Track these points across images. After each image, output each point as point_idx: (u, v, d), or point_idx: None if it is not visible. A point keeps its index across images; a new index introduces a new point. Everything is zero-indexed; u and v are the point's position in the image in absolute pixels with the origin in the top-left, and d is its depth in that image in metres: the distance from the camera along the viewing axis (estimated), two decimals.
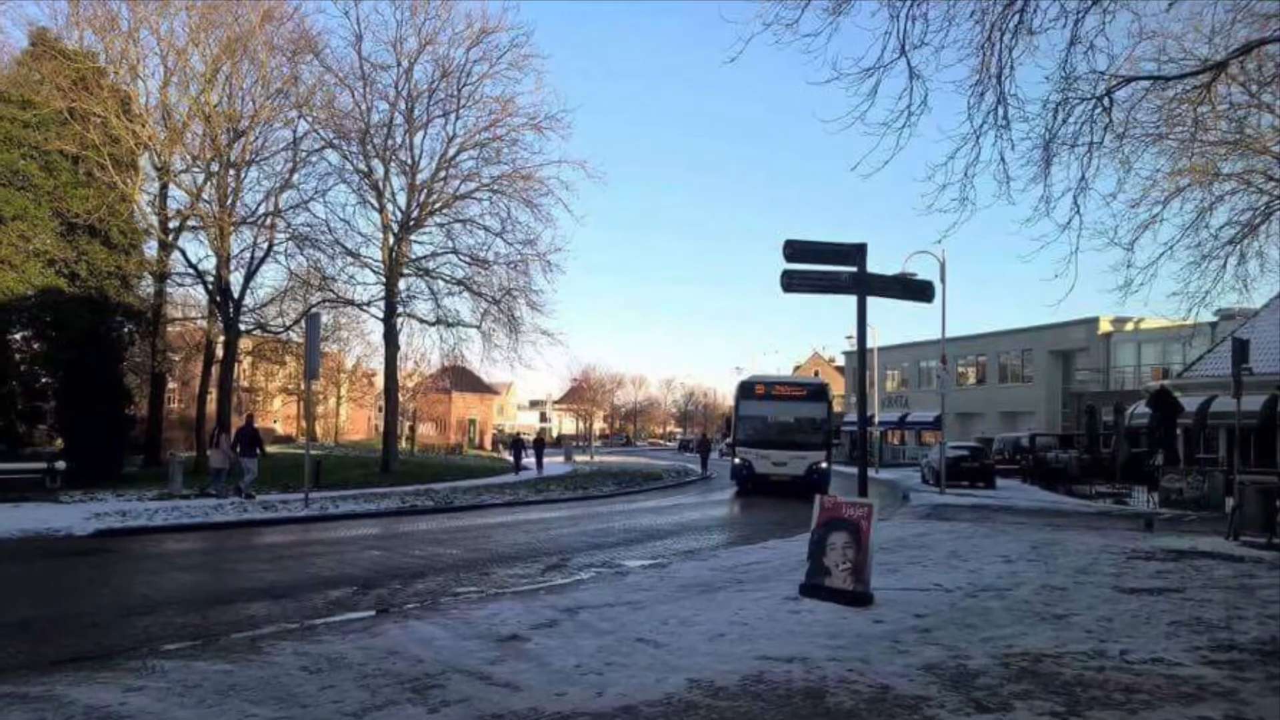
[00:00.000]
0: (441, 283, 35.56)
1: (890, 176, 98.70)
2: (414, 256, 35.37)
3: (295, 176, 32.83)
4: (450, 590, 10.35)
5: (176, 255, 32.85)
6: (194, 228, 32.75)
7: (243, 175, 32.23)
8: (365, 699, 5.58)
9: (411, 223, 34.24)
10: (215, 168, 31.22)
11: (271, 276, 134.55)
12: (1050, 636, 7.44)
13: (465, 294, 35.61)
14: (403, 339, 36.23)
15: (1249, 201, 18.27)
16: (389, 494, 24.17)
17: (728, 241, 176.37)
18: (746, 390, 28.43)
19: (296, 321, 34.09)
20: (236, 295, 32.39)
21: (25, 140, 26.13)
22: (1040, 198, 12.35)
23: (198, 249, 34.61)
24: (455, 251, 35.40)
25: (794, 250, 9.70)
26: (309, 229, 33.30)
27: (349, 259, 34.16)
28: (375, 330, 42.87)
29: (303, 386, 47.86)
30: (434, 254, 35.83)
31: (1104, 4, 10.37)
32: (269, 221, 32.51)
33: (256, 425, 24.62)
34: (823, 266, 9.98)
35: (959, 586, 9.86)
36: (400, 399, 43.72)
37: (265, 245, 32.85)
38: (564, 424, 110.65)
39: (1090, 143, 12.26)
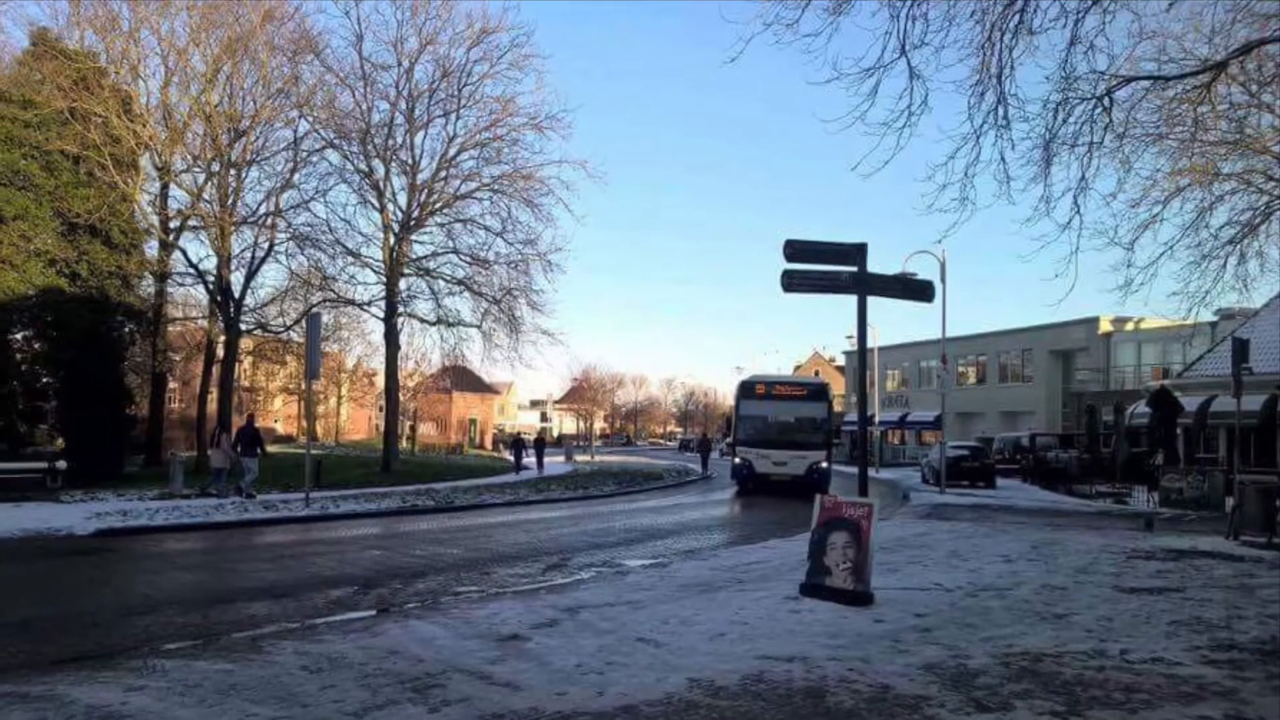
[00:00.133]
0: (442, 282, 35.65)
1: (890, 176, 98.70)
2: (415, 256, 35.44)
3: (296, 176, 32.92)
4: (451, 590, 10.35)
5: (177, 255, 32.95)
6: (195, 227, 32.84)
7: (243, 175, 32.32)
8: (366, 698, 5.58)
9: (412, 222, 34.26)
10: (216, 167, 31.25)
11: (272, 276, 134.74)
12: (1050, 636, 7.45)
13: (466, 294, 35.70)
14: (403, 339, 36.33)
15: (1249, 201, 18.28)
16: (390, 494, 24.18)
17: (728, 241, 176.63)
18: (747, 390, 28.43)
19: (297, 321, 34.12)
20: (237, 295, 32.43)
21: (26, 140, 26.15)
22: (1040, 197, 12.36)
23: (198, 249, 34.77)
24: (456, 251, 35.48)
25: (794, 250, 9.70)
26: (310, 229, 33.40)
27: (350, 259, 34.26)
28: (376, 330, 42.93)
29: (303, 386, 47.94)
30: (435, 254, 35.92)
31: (1104, 4, 10.38)
32: (270, 221, 32.56)
33: (257, 425, 24.63)
34: (823, 266, 9.98)
35: (959, 586, 9.87)
36: (401, 399, 43.72)
37: (266, 245, 32.92)
38: (564, 423, 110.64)
39: (1090, 142, 12.28)
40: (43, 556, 13.10)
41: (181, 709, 5.39)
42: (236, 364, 37.24)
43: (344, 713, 5.31)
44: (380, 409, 62.48)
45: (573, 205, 60.78)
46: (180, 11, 30.69)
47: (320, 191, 33.98)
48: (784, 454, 26.59)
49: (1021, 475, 36.03)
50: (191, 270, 33.32)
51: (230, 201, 31.48)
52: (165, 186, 32.58)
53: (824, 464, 26.38)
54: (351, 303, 37.23)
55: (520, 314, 35.25)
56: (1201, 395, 28.01)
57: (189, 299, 40.89)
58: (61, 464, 23.33)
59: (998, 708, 5.45)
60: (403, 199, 34.59)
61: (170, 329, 38.46)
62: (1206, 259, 17.63)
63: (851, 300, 9.90)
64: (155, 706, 5.42)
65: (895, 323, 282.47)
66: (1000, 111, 10.77)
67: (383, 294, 34.52)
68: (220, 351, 34.29)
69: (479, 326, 35.70)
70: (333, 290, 35.30)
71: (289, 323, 34.84)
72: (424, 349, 44.02)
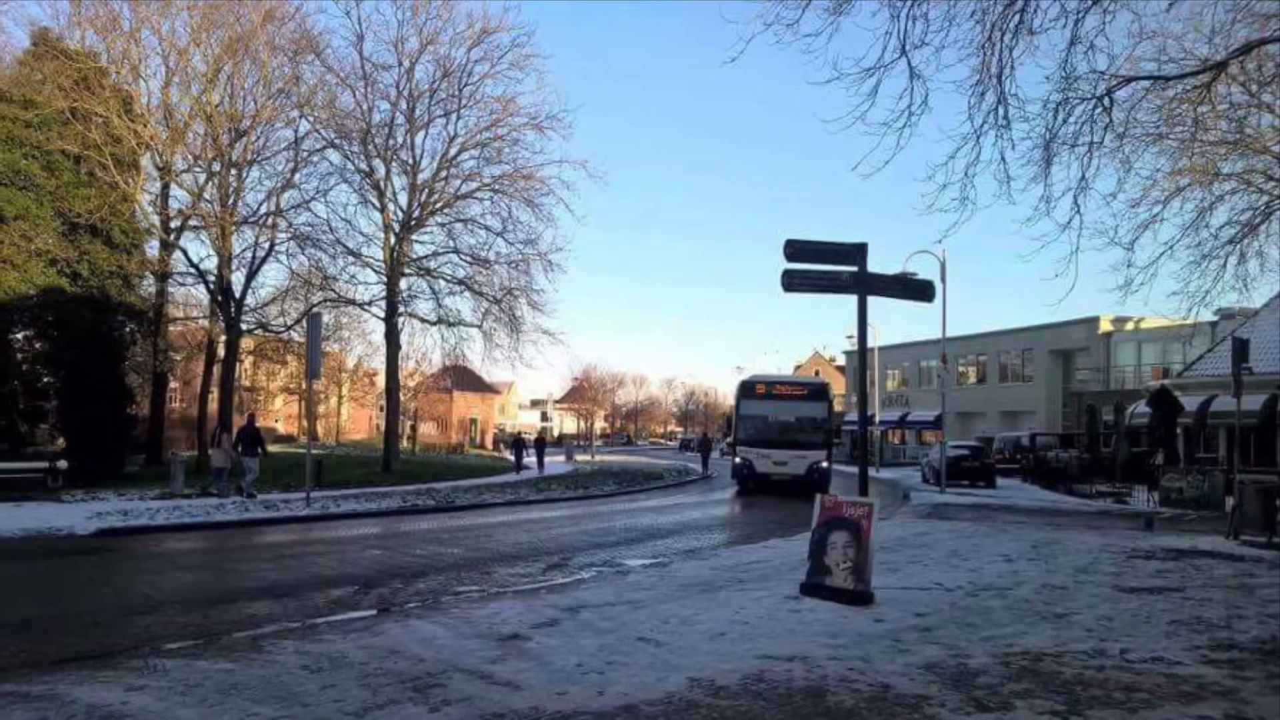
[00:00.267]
0: (443, 282, 35.65)
1: (891, 176, 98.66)
2: (415, 256, 35.44)
3: (297, 176, 32.95)
4: (451, 589, 10.36)
5: (178, 255, 32.96)
6: (195, 227, 32.86)
7: (244, 175, 32.35)
8: (366, 698, 5.59)
9: (413, 222, 34.27)
10: (217, 167, 31.27)
11: (273, 276, 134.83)
12: (1051, 635, 7.45)
13: (466, 293, 35.70)
14: (404, 338, 36.35)
15: (1249, 201, 18.27)
16: (390, 493, 24.19)
17: (728, 241, 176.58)
18: (747, 390, 28.43)
19: (298, 321, 34.15)
20: (238, 295, 32.46)
21: (27, 140, 26.18)
22: (1040, 197, 12.36)
23: (199, 249, 34.81)
24: (456, 251, 35.49)
25: (795, 250, 9.71)
26: (310, 229, 33.44)
27: (350, 259, 34.28)
28: (377, 330, 42.94)
29: (304, 386, 47.97)
30: (435, 253, 35.93)
31: (1104, 4, 10.38)
32: (270, 221, 32.58)
33: (258, 425, 24.64)
34: (823, 266, 9.99)
35: (959, 585, 9.87)
36: (401, 398, 43.75)
37: (267, 245, 32.95)
38: (565, 423, 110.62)
39: (1090, 142, 12.27)
40: (44, 556, 13.11)
41: (182, 708, 5.40)
42: (237, 364, 37.29)
43: (345, 712, 5.32)
44: (381, 409, 62.52)
45: (573, 205, 60.86)
46: (181, 11, 30.74)
47: (321, 191, 34.10)
48: (784, 454, 26.59)
49: (1022, 475, 36.03)
50: (192, 270, 33.42)
51: (231, 201, 31.51)
52: (166, 186, 32.60)
53: (824, 464, 26.39)
54: (352, 302, 37.27)
55: (521, 314, 35.32)
56: (1201, 395, 28.01)
57: (190, 299, 40.98)
58: (62, 464, 23.35)
59: (998, 707, 5.45)
60: (403, 199, 34.68)
61: (171, 329, 38.49)
62: (1206, 259, 17.63)
63: (852, 300, 9.91)
64: (156, 706, 5.42)
65: (895, 322, 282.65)
66: (1000, 111, 10.79)
67: (383, 294, 34.55)
68: (221, 351, 34.32)
69: (480, 326, 35.75)
70: (333, 290, 35.36)
71: (290, 322, 34.89)
72: (425, 349, 44.22)
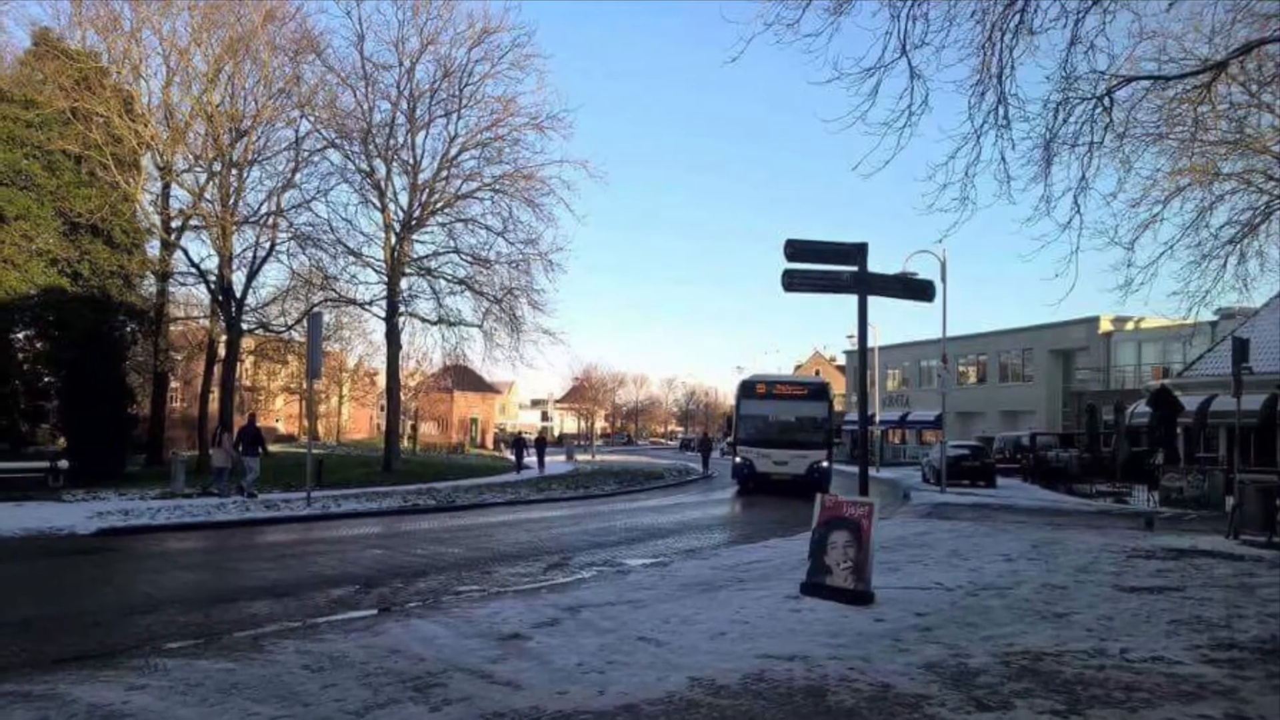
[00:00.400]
0: (443, 282, 35.65)
1: (891, 176, 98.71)
2: (416, 256, 35.44)
3: (297, 176, 32.95)
4: (452, 589, 10.37)
5: (179, 255, 32.98)
6: (196, 227, 32.87)
7: (245, 175, 32.35)
8: (367, 697, 5.60)
9: (413, 222, 34.27)
10: (217, 167, 31.27)
11: (274, 276, 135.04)
12: (1051, 635, 7.46)
13: (467, 293, 35.69)
14: (405, 338, 36.35)
15: (1249, 201, 18.26)
16: (391, 493, 24.20)
17: (728, 241, 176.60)
18: (748, 389, 28.44)
19: (299, 321, 34.17)
20: (239, 294, 32.47)
21: (28, 140, 26.19)
22: (1041, 197, 12.36)
23: (200, 248, 34.79)
24: (457, 251, 35.48)
25: (795, 250, 9.71)
26: (311, 228, 33.45)
27: (351, 258, 34.29)
28: (377, 329, 42.94)
29: (305, 386, 47.98)
30: (436, 253, 35.93)
31: (1104, 4, 10.38)
32: (271, 221, 32.60)
33: (259, 424, 24.63)
34: (824, 266, 9.99)
35: (960, 585, 9.88)
36: (402, 398, 43.72)
37: (267, 245, 32.96)
38: (565, 423, 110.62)
39: (1091, 142, 12.28)
40: (45, 556, 13.12)
41: (183, 708, 5.41)
42: (238, 363, 37.28)
43: (345, 712, 5.33)
44: (381, 408, 62.50)
45: (574, 205, 60.59)
46: (182, 11, 30.75)
47: (322, 191, 34.11)
48: (785, 453, 26.60)
49: (1022, 475, 36.04)
50: (193, 270, 33.43)
51: (232, 201, 31.52)
52: (167, 186, 32.62)
53: (824, 463, 26.39)
54: (353, 302, 37.27)
55: (521, 313, 35.32)
56: (1201, 395, 28.00)
57: (190, 298, 41.00)
58: (63, 463, 23.36)
59: (998, 707, 5.46)
60: (404, 199, 34.67)
61: (172, 328, 38.51)
62: (1206, 258, 17.63)
63: (852, 300, 9.91)
64: (157, 705, 5.43)
65: (896, 322, 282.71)
66: (1001, 111, 10.79)
67: (384, 293, 34.56)
68: (222, 351, 34.33)
69: (480, 326, 35.75)
70: (334, 290, 35.35)
71: (290, 322, 34.90)
72: (425, 348, 44.18)
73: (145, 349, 34.35)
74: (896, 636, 7.33)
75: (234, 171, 31.56)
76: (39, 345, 28.52)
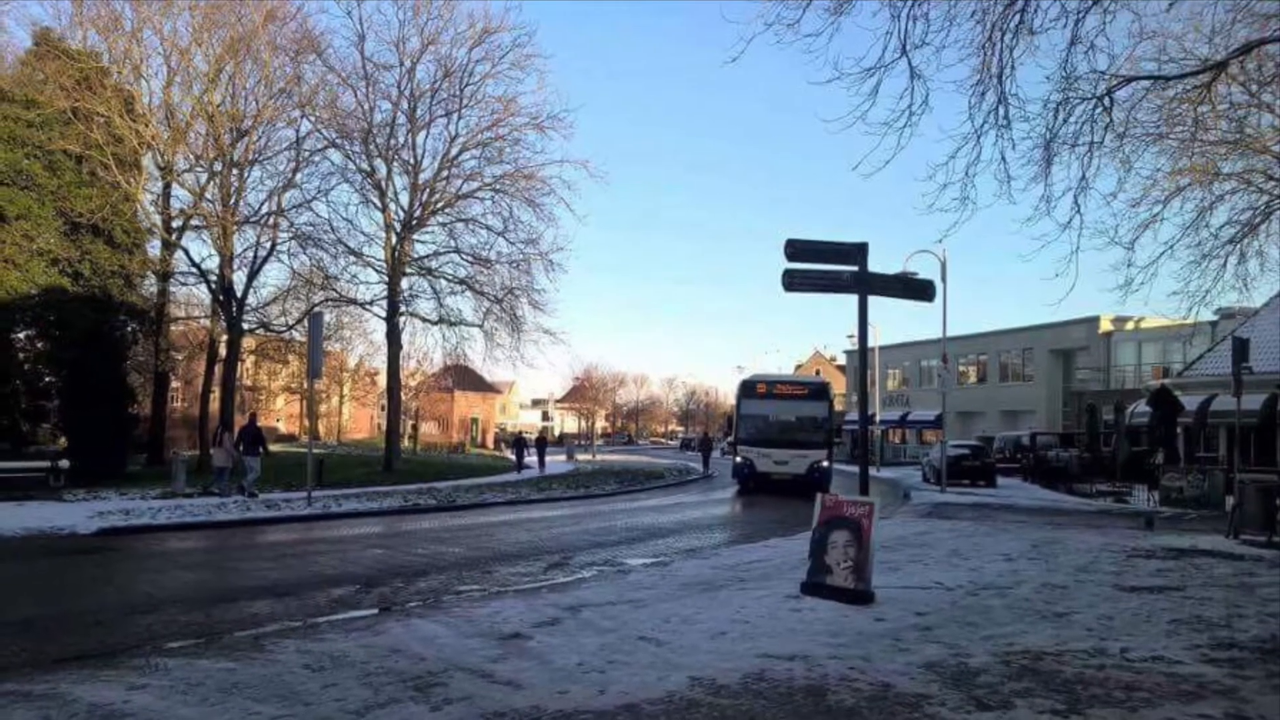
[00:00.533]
0: (444, 282, 35.67)
1: (891, 176, 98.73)
2: (416, 256, 35.46)
3: (298, 176, 32.98)
4: (453, 588, 10.38)
5: (180, 254, 32.99)
6: (197, 227, 32.89)
7: (246, 175, 32.39)
8: (368, 697, 5.60)
9: (414, 222, 34.28)
10: (218, 167, 31.29)
11: (274, 276, 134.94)
12: (1051, 634, 7.47)
13: (468, 293, 35.71)
14: (405, 338, 36.37)
15: (1249, 201, 18.26)
16: (391, 492, 24.21)
17: (729, 241, 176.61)
18: (748, 389, 28.44)
19: (299, 320, 34.17)
20: (239, 294, 32.48)
21: (29, 140, 26.21)
22: (1041, 197, 12.36)
23: (201, 248, 34.79)
24: (458, 251, 35.50)
25: (795, 249, 9.72)
26: (312, 228, 33.47)
27: (352, 258, 34.30)
28: (378, 329, 42.93)
29: (305, 385, 47.97)
30: (436, 253, 35.95)
31: (1104, 4, 10.38)
32: (272, 221, 32.62)
33: (259, 424, 24.64)
34: (824, 266, 9.99)
35: (960, 585, 9.89)
36: (403, 398, 43.76)
37: (268, 244, 32.99)
38: (566, 422, 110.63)
39: (1091, 142, 12.28)
40: (46, 555, 13.13)
41: (184, 707, 5.41)
42: (239, 363, 37.27)
43: (346, 711, 5.34)
44: (382, 408, 62.53)
45: (574, 205, 60.30)
46: (183, 11, 30.78)
47: (322, 191, 34.12)
48: (785, 453, 26.61)
49: (1022, 474, 36.04)
50: (194, 270, 33.45)
51: (232, 201, 31.55)
52: (168, 186, 32.63)
53: (825, 463, 26.39)
54: (354, 302, 37.27)
55: (522, 313, 35.33)
56: (1202, 394, 27.99)
57: (191, 298, 41.02)
58: (64, 463, 23.35)
59: (998, 706, 5.47)
60: (404, 198, 34.69)
61: (173, 328, 38.53)
62: (1206, 258, 17.62)
63: (852, 300, 9.92)
64: (157, 705, 5.44)
65: (896, 322, 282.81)
66: (1001, 111, 10.79)
67: (385, 293, 34.59)
68: (223, 351, 34.35)
69: (481, 326, 35.77)
70: (335, 290, 35.37)
71: (291, 322, 34.91)
72: (426, 348, 44.16)
73: (146, 349, 34.36)
74: (897, 636, 7.34)
75: (235, 171, 31.59)
76: (40, 345, 28.54)
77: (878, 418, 55.89)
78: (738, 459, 27.90)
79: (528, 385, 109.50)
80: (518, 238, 34.69)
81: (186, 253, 33.15)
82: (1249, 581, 10.53)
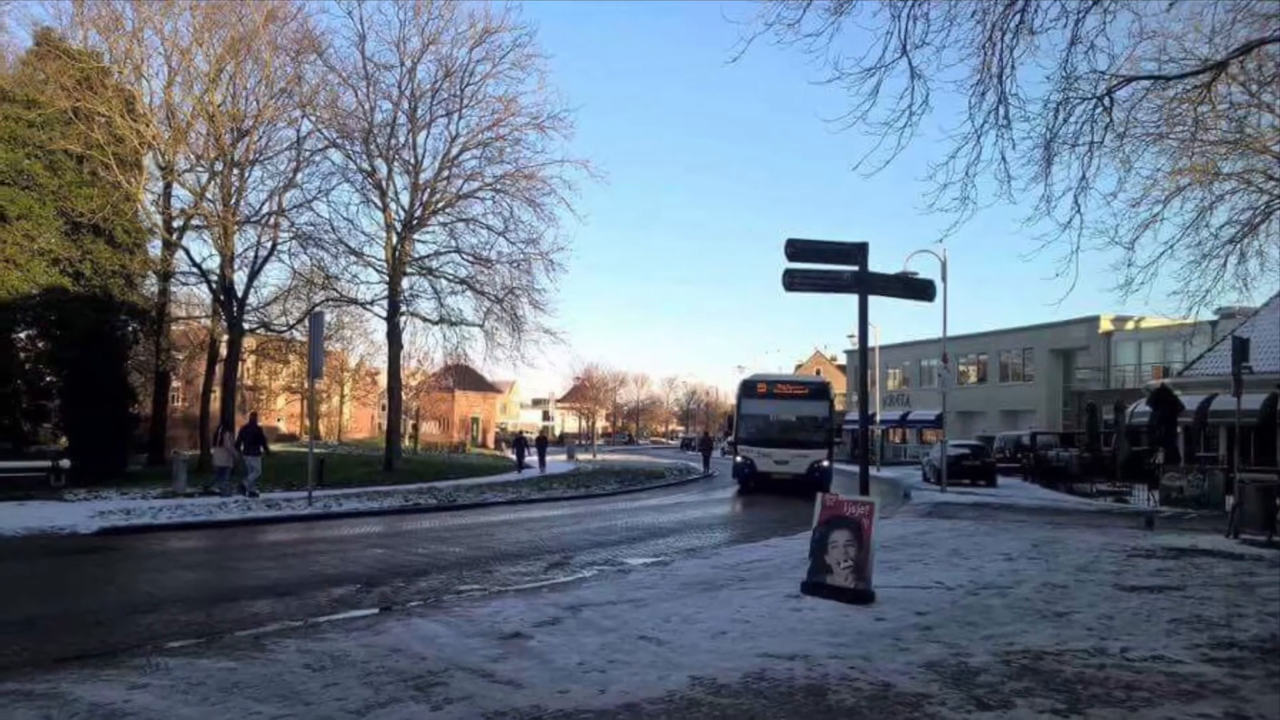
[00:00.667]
0: (444, 281, 35.67)
1: (891, 176, 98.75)
2: (417, 255, 35.47)
3: (299, 176, 32.96)
4: (453, 588, 10.39)
5: (180, 254, 32.96)
6: (198, 227, 32.87)
7: (246, 174, 32.37)
8: (368, 696, 5.61)
9: (415, 222, 34.29)
10: (219, 167, 31.29)
11: (275, 275, 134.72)
12: (1051, 634, 7.47)
13: (468, 293, 35.71)
14: (406, 338, 36.38)
15: (1249, 201, 18.27)
16: (392, 492, 24.22)
17: (729, 241, 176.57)
18: (748, 389, 28.45)
19: (300, 320, 34.16)
20: (240, 294, 32.47)
21: (30, 140, 26.22)
22: (1041, 197, 12.35)
23: (201, 248, 34.74)
24: (458, 250, 35.50)
25: (796, 249, 9.72)
26: (312, 228, 33.46)
27: (352, 258, 34.29)
28: (379, 329, 42.97)
29: (306, 385, 47.97)
30: (437, 253, 35.96)
31: (1105, 4, 10.38)
32: (273, 221, 32.60)
33: (260, 424, 24.66)
34: (824, 265, 10.00)
35: (960, 584, 9.89)
36: (403, 397, 43.77)
37: (269, 244, 32.97)
38: (567, 422, 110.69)
39: (1091, 142, 12.27)
40: (46, 555, 13.14)
41: (184, 707, 5.42)
42: (239, 363, 37.27)
43: (347, 711, 5.34)
44: (383, 408, 62.58)
45: (574, 205, 60.14)
46: (183, 11, 30.78)
47: (323, 191, 34.11)
48: (785, 453, 26.61)
49: (1022, 474, 36.05)
50: (195, 269, 33.45)
51: (233, 201, 31.54)
52: (168, 186, 32.64)
53: (825, 462, 26.40)
54: (354, 302, 37.27)
55: (522, 313, 35.33)
56: (1202, 394, 27.99)
57: (192, 298, 41.05)
58: (65, 463, 23.40)
59: (999, 706, 5.47)
60: (405, 198, 34.69)
61: (173, 328, 38.56)
62: (1207, 258, 17.63)
63: (852, 299, 9.92)
64: (158, 704, 5.45)
65: (896, 322, 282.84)
66: (1001, 111, 10.79)
67: (385, 293, 34.60)
68: (223, 350, 34.35)
69: (481, 325, 35.77)
70: (335, 289, 35.34)
71: (292, 322, 34.88)
72: (426, 348, 44.23)
73: (147, 348, 34.36)
74: (897, 635, 7.34)
75: (235, 171, 31.58)
76: (41, 345, 28.55)
77: (878, 417, 55.92)
78: (738, 459, 27.91)
79: (528, 385, 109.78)
80: (518, 237, 34.76)
81: (187, 252, 33.22)
82: (1249, 581, 10.53)
